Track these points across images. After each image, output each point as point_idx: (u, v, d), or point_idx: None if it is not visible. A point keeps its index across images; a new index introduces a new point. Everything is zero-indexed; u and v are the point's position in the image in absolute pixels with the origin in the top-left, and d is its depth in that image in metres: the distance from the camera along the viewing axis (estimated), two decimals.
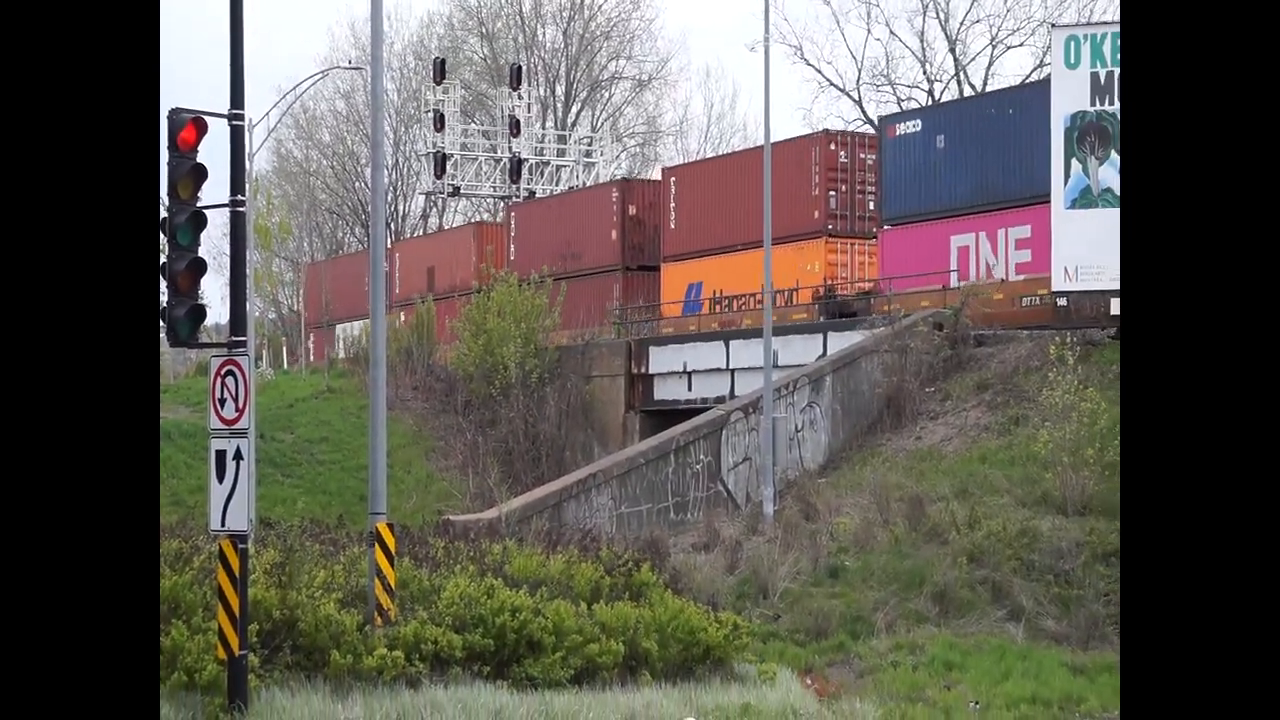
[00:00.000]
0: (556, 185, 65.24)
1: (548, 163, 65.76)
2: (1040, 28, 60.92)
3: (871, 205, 42.91)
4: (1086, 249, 31.65)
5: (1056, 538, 24.44)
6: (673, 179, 49.66)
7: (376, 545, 17.31)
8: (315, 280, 65.70)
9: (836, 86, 69.85)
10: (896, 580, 23.75)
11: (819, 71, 76.31)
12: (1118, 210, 31.43)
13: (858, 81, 68.97)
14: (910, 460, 30.15)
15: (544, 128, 71.79)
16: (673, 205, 49.12)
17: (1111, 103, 31.46)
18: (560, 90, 77.86)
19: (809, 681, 19.89)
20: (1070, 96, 31.84)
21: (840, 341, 36.24)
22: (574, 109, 77.66)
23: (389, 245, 75.07)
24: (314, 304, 63.40)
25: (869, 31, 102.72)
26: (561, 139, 69.13)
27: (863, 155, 43.83)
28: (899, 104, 63.64)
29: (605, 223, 51.54)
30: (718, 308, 46.00)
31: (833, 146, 44.00)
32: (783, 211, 39.29)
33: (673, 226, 48.86)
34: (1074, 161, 31.82)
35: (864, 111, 64.87)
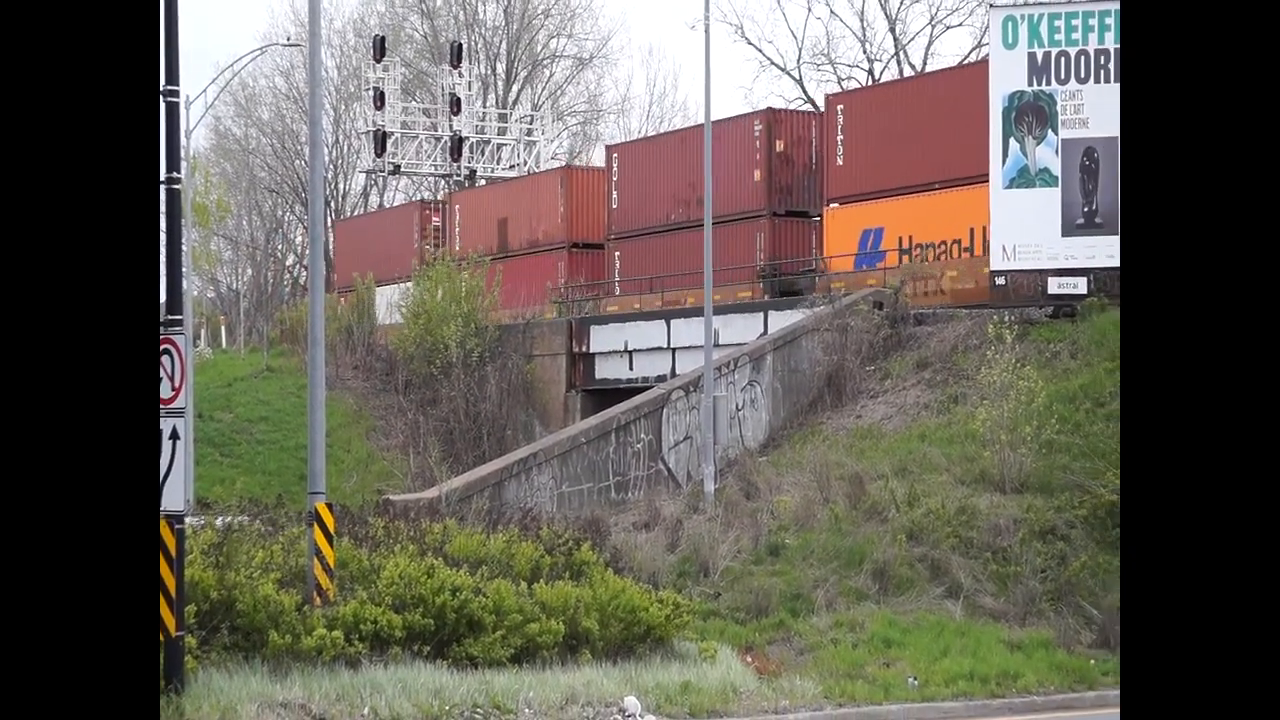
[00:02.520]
0: (497, 164, 65.00)
1: (489, 141, 65.52)
2: (979, 8, 61.17)
3: None
4: (1024, 228, 31.86)
5: (994, 515, 24.62)
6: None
7: (315, 525, 17.23)
8: (347, 239, 64.23)
9: (777, 65, 70.00)
10: (836, 558, 23.86)
11: (760, 50, 76.66)
12: (1055, 190, 31.70)
13: (798, 61, 69.06)
14: (850, 438, 30.29)
15: (485, 106, 71.49)
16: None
17: (1048, 83, 31.66)
18: (501, 68, 77.55)
19: (749, 659, 19.97)
20: (1008, 76, 32.02)
21: (781, 320, 36.34)
22: (515, 87, 77.38)
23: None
24: (345, 265, 61.67)
25: (809, 10, 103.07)
26: (503, 117, 68.88)
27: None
28: (839, 83, 63.77)
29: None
30: (905, 257, 37.88)
31: None
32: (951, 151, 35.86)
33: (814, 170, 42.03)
34: (1012, 141, 32.01)
35: (805, 91, 64.99)
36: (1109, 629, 21.61)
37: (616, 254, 47.58)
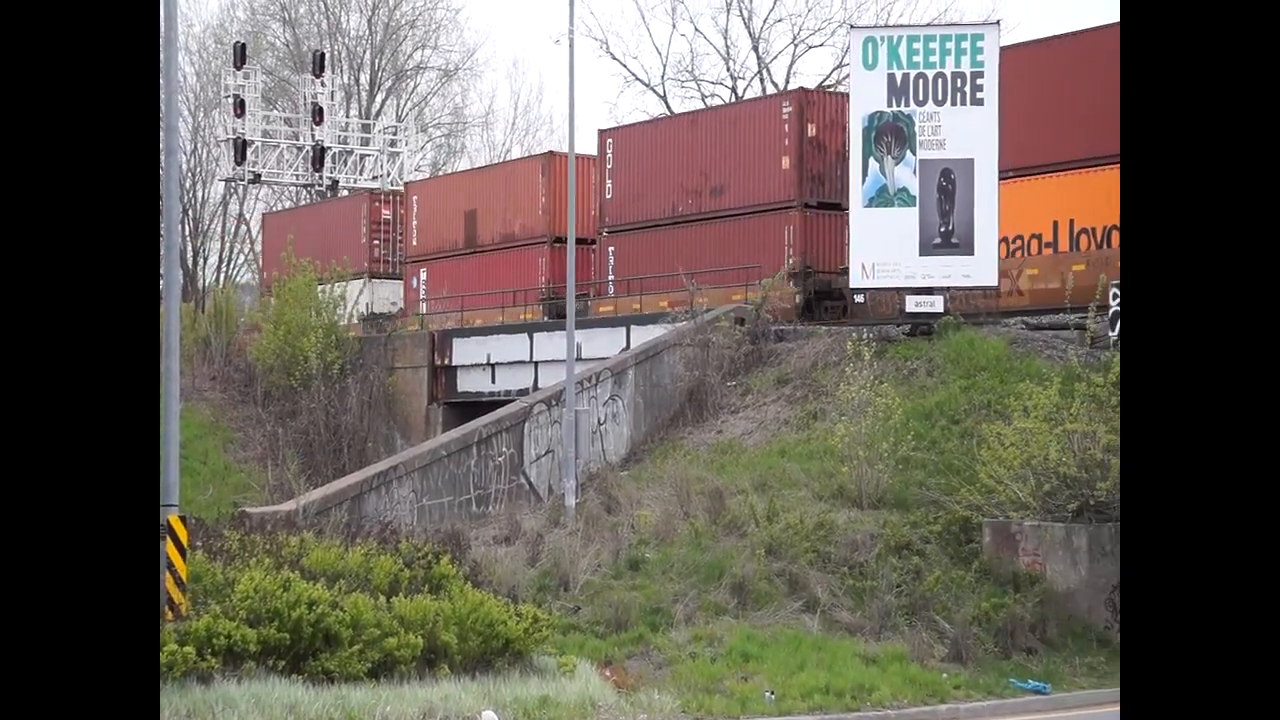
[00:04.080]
0: (360, 174, 64.42)
1: (351, 152, 64.95)
2: (840, 29, 61.95)
3: None
4: (883, 247, 32.28)
5: (851, 530, 24.90)
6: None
7: (167, 538, 16.95)
8: (277, 234, 58.37)
9: (642, 81, 70.26)
10: (696, 572, 23.97)
11: (625, 66, 76.50)
12: (913, 209, 32.16)
13: (663, 77, 69.39)
14: (711, 453, 30.45)
15: (348, 116, 70.88)
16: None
17: (907, 104, 32.12)
18: (365, 78, 76.95)
19: (608, 673, 19.99)
20: (868, 97, 32.43)
21: (643, 335, 36.44)
22: (379, 98, 76.82)
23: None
24: (272, 260, 58.13)
25: (674, 27, 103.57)
26: (366, 128, 68.31)
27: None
28: (703, 100, 64.20)
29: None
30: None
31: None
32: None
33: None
34: (872, 161, 32.42)
35: (669, 107, 65.31)
36: (961, 643, 21.98)
37: (611, 249, 43.18)
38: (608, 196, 43.11)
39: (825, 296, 36.94)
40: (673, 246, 40.51)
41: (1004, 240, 33.02)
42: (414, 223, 51.70)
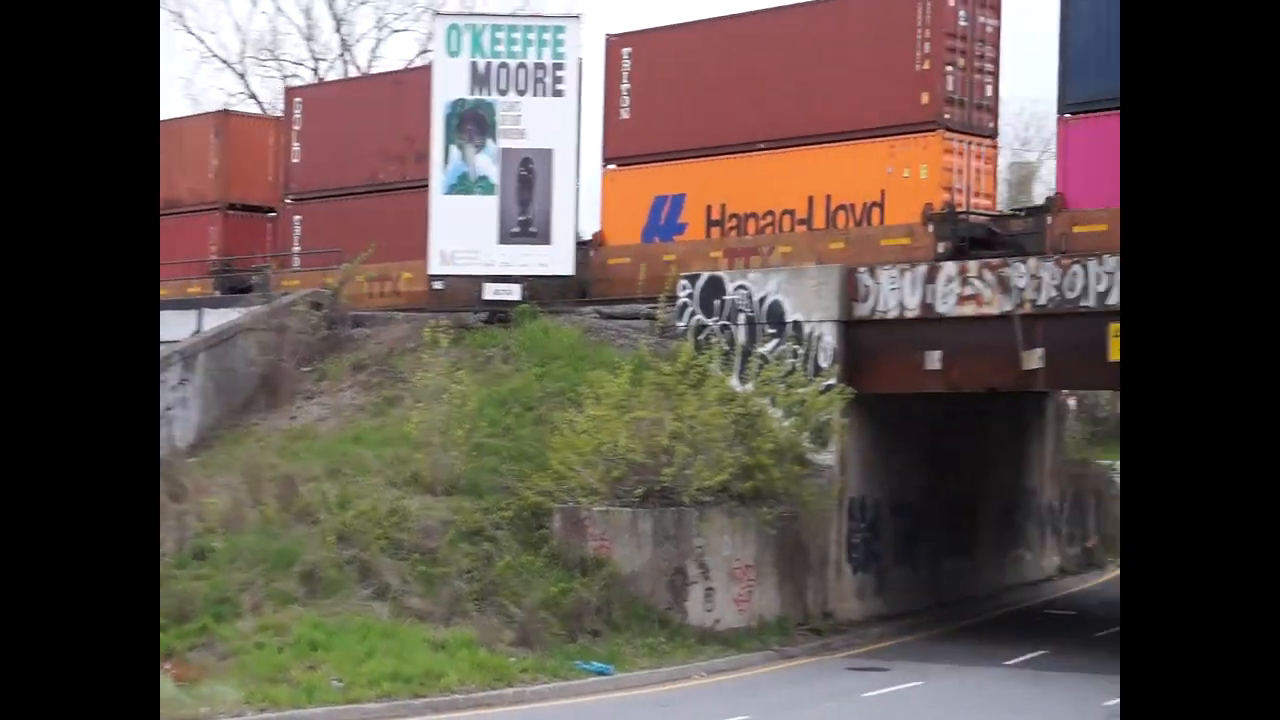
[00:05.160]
0: None
1: None
2: (425, 14, 61.77)
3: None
4: (463, 234, 32.41)
5: (424, 517, 24.91)
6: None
7: None
8: None
9: (220, 58, 68.23)
10: (265, 560, 23.50)
11: (201, 41, 74.14)
12: (493, 198, 32.39)
13: (242, 55, 67.66)
14: (285, 440, 29.91)
15: None
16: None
17: (489, 93, 32.33)
18: None
19: (169, 666, 19.40)
20: (451, 84, 32.50)
21: (218, 318, 35.46)
22: None
23: None
24: None
25: (255, 4, 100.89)
26: None
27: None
28: (284, 80, 62.91)
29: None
30: (732, 233, 32.63)
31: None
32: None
33: None
34: (453, 148, 32.51)
35: (248, 87, 63.76)
36: (529, 627, 22.32)
37: (297, 219, 39.69)
38: (294, 161, 39.80)
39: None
40: (372, 216, 37.23)
41: (753, 216, 32.09)
42: None
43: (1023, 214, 29.72)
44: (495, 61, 32.42)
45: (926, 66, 29.63)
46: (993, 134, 30.78)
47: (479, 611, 22.81)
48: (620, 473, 25.07)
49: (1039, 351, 26.37)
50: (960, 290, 27.19)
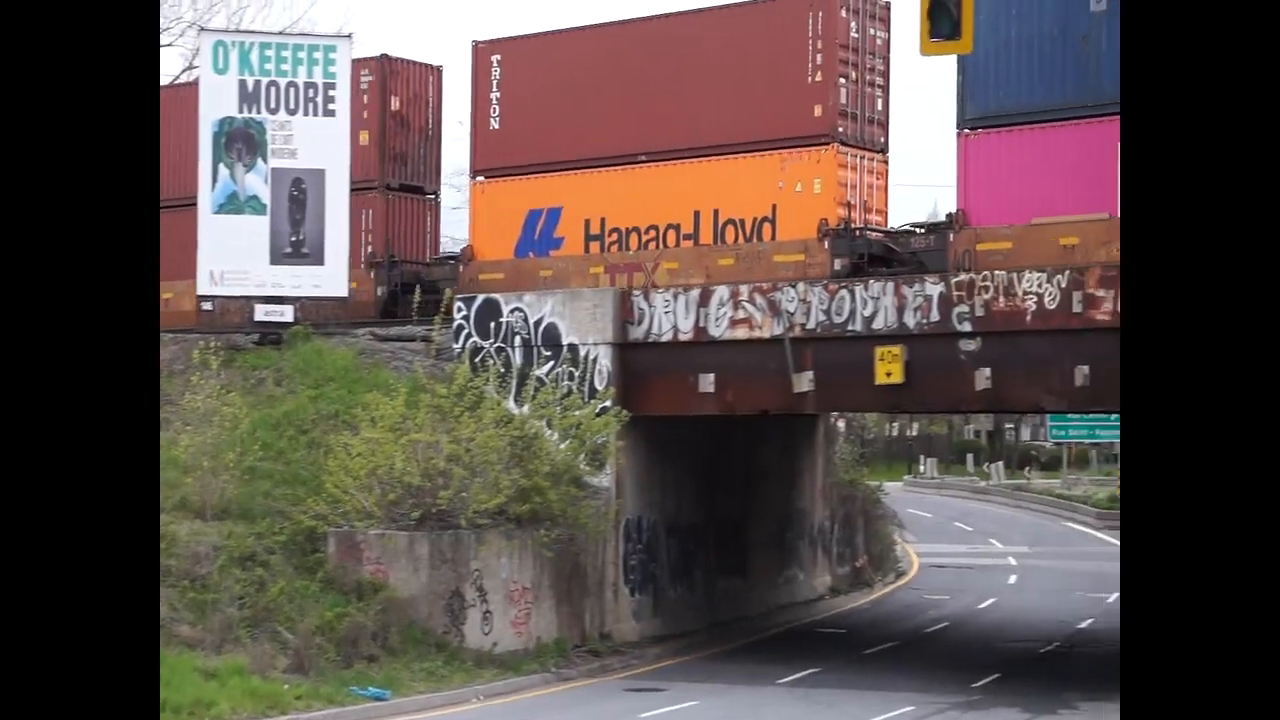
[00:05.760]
0: None
1: None
2: (190, 29, 60.50)
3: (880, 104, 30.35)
4: (233, 254, 31.79)
5: (194, 542, 24.32)
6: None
7: None
8: None
9: None
10: None
11: None
12: (265, 218, 31.85)
13: None
14: None
15: None
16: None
17: (259, 111, 31.80)
18: None
19: None
20: (219, 102, 31.89)
21: None
22: None
23: None
24: None
25: None
26: None
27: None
28: None
29: None
30: (613, 248, 31.52)
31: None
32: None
33: None
34: (221, 167, 31.89)
35: None
36: (304, 653, 21.94)
37: None
38: None
39: (411, 289, 32.80)
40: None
41: (635, 231, 31.10)
42: None
43: (922, 230, 29.05)
44: (265, 80, 31.91)
45: (819, 78, 28.85)
46: (884, 149, 30.09)
47: (252, 638, 22.34)
48: (396, 496, 24.84)
49: (809, 374, 26.91)
50: (733, 314, 27.60)
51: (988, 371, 25.52)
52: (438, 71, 35.66)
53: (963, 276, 25.86)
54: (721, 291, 27.85)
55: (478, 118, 33.21)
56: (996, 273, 25.60)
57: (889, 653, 29.56)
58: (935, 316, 25.87)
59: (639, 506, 29.38)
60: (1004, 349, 25.60)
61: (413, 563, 24.22)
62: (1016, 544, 50.71)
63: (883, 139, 29.97)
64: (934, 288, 25.98)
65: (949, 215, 27.75)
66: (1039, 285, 25.07)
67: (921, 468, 78.37)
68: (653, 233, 30.97)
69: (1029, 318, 25.15)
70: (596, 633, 27.69)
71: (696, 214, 30.53)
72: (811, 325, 26.91)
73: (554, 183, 32.12)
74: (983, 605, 36.79)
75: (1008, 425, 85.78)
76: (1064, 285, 24.84)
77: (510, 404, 28.29)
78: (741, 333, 27.58)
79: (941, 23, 15.56)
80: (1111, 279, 24.46)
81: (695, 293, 28.08)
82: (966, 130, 27.80)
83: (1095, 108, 26.02)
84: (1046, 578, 41.88)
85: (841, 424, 43.20)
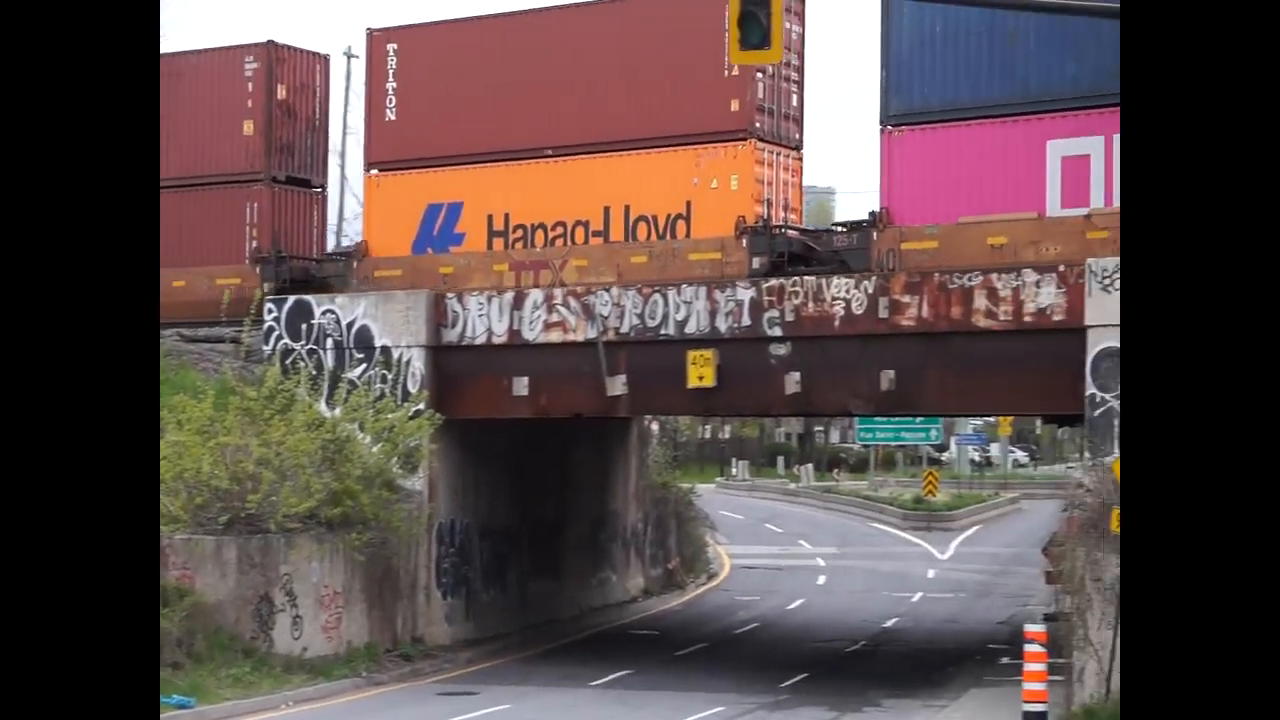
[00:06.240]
0: None
1: None
2: None
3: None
4: None
5: None
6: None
7: None
8: None
9: None
10: None
11: None
12: None
13: None
14: None
15: None
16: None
17: None
18: None
19: None
20: None
21: None
22: None
23: None
24: None
25: None
26: None
27: None
28: None
29: None
30: (517, 245, 30.14)
31: None
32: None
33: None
34: None
35: None
36: None
37: None
38: None
39: (303, 286, 31.20)
40: None
41: (541, 227, 29.77)
42: None
43: (843, 229, 27.85)
44: None
45: (735, 72, 27.53)
46: (799, 145, 29.10)
47: None
48: (203, 500, 24.43)
49: (622, 378, 27.12)
50: (547, 317, 27.69)
51: (797, 376, 25.97)
52: (325, 60, 34.34)
53: (773, 282, 26.25)
54: (535, 295, 27.91)
55: (372, 108, 31.87)
56: (806, 278, 26.04)
57: (701, 654, 29.88)
58: (746, 321, 26.25)
59: (452, 509, 29.30)
60: (813, 354, 26.08)
61: (220, 567, 23.84)
62: (825, 545, 51.60)
63: (797, 135, 29.11)
64: (745, 292, 26.36)
65: (871, 214, 26.82)
66: (846, 291, 25.59)
67: (733, 470, 79.26)
68: (560, 229, 29.74)
69: (837, 323, 25.65)
70: (409, 636, 27.54)
71: (607, 210, 29.40)
72: (625, 329, 27.11)
73: (454, 176, 30.77)
74: (792, 606, 37.39)
75: (817, 428, 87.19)
76: (870, 291, 25.39)
77: (322, 407, 28.00)
78: (556, 336, 27.68)
79: (752, 32, 15.80)
80: (916, 285, 25.09)
81: (509, 295, 28.10)
82: (890, 127, 26.87)
83: (1023, 104, 25.76)
84: (854, 578, 42.70)
85: (655, 427, 43.55)
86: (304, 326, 29.26)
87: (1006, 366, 25.04)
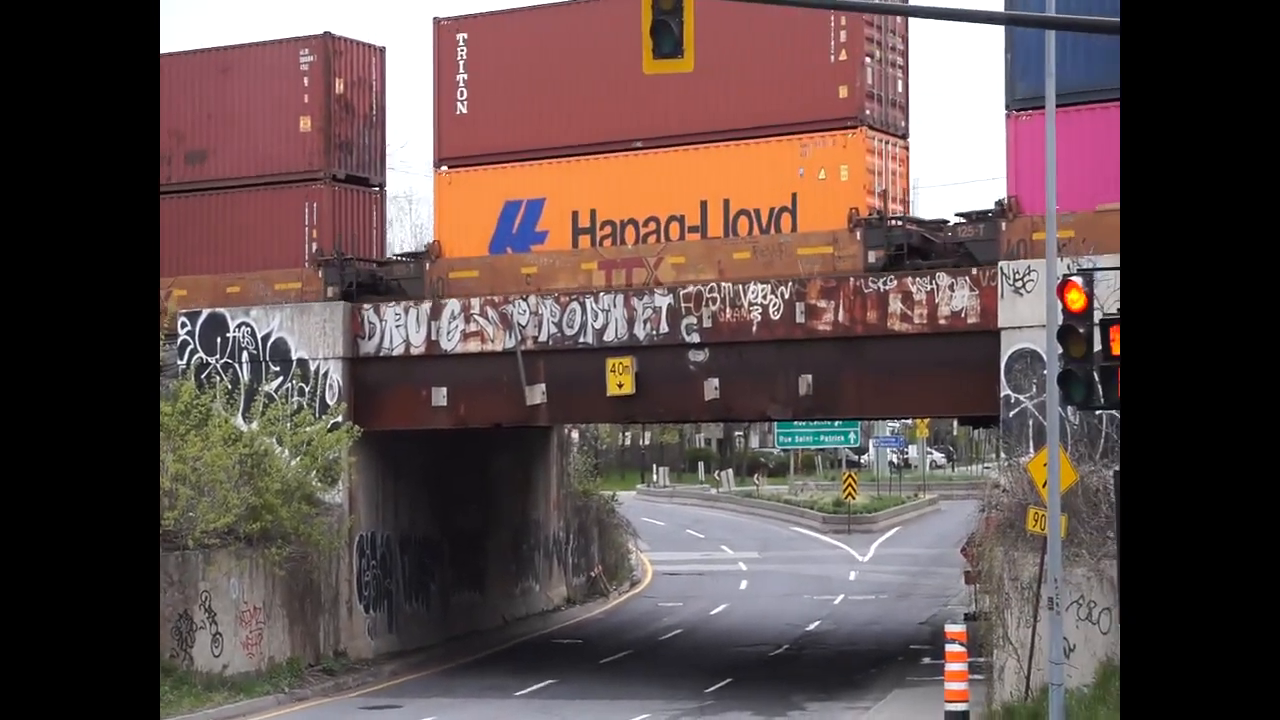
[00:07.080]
0: None
1: None
2: None
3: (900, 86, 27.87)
4: None
5: None
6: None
7: None
8: None
9: None
10: None
11: None
12: None
13: None
14: None
15: None
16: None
17: None
18: None
19: None
20: None
21: None
22: None
23: None
24: None
25: None
26: None
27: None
28: None
29: None
30: (605, 242, 28.33)
31: None
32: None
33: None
34: None
35: None
36: None
37: None
38: None
39: (370, 290, 29.76)
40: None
41: (632, 223, 28.08)
42: None
43: (966, 220, 26.32)
44: None
45: (843, 57, 26.24)
46: (905, 134, 27.56)
47: None
48: None
49: (541, 387, 27.10)
50: (465, 327, 27.63)
51: (716, 381, 26.09)
52: (380, 52, 32.12)
53: (690, 289, 26.32)
54: (453, 305, 27.84)
55: (441, 102, 29.81)
56: (723, 284, 26.13)
57: (625, 661, 29.92)
58: (665, 328, 26.33)
59: (373, 522, 29.16)
60: (731, 359, 26.20)
61: None
62: (747, 550, 51.77)
63: (904, 123, 27.62)
64: (663, 299, 26.44)
65: (998, 203, 25.26)
66: (764, 297, 25.73)
67: (654, 476, 79.36)
68: (652, 225, 28.09)
69: (754, 329, 25.77)
70: (331, 651, 27.38)
71: (704, 204, 27.77)
72: (544, 338, 27.10)
73: (534, 171, 29.01)
74: (715, 611, 37.49)
75: (737, 433, 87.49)
76: (787, 297, 25.54)
77: (239, 421, 27.78)
78: (474, 346, 27.62)
79: (664, 41, 15.84)
80: (832, 290, 25.26)
81: (426, 306, 28.02)
82: (1016, 111, 25.17)
83: None
84: (776, 582, 42.87)
85: (575, 435, 43.52)
86: (219, 340, 29.02)
87: (922, 370, 25.27)
